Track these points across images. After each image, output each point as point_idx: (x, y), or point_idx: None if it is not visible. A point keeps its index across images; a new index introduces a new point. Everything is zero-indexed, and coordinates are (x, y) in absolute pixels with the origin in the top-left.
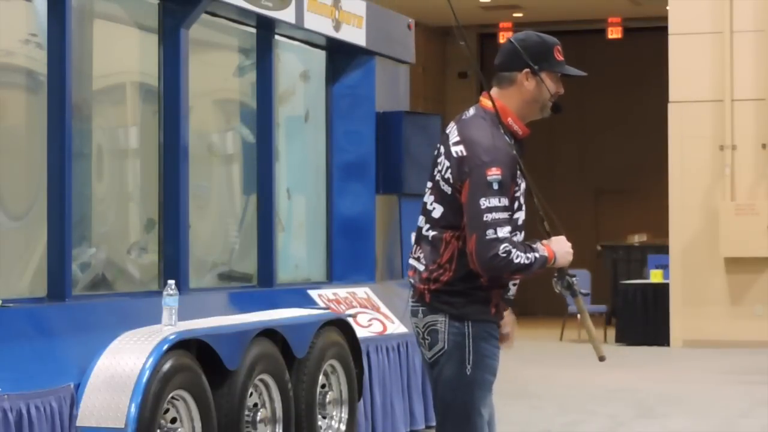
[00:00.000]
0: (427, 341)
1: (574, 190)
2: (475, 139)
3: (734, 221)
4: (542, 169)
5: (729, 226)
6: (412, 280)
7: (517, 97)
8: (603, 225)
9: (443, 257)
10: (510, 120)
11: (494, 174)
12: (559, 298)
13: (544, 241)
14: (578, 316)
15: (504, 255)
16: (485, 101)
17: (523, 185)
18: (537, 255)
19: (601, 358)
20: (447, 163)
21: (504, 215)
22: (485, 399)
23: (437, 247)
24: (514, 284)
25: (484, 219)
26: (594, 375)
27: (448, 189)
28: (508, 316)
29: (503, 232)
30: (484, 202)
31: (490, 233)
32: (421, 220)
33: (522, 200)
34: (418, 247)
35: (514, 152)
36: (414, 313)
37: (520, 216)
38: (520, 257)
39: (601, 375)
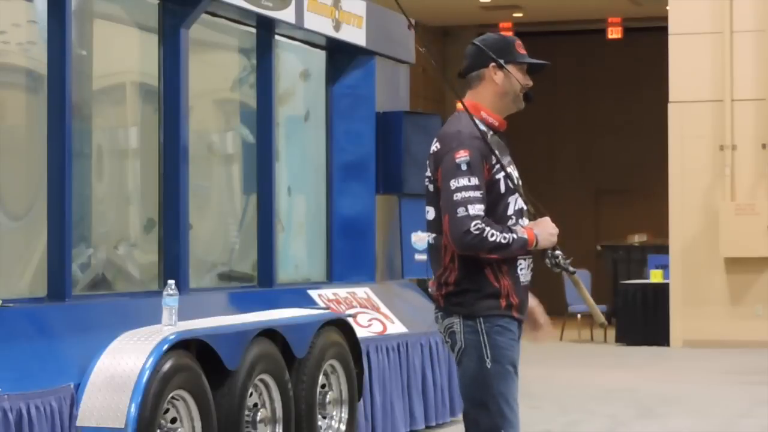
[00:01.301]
0: (449, 343)
1: (574, 190)
2: (445, 132)
3: (734, 221)
4: (542, 169)
5: (729, 226)
6: (430, 290)
7: (488, 92)
8: (603, 225)
9: (446, 258)
10: (483, 114)
11: (462, 156)
12: (559, 298)
13: (527, 224)
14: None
15: (477, 232)
16: (459, 105)
17: (510, 170)
18: (515, 236)
19: (602, 324)
20: (428, 162)
21: (475, 194)
22: (512, 390)
23: (439, 250)
24: (522, 269)
25: (454, 198)
26: (594, 375)
27: (431, 186)
28: (536, 306)
29: (474, 209)
30: (454, 183)
31: (460, 211)
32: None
33: (511, 184)
34: (429, 256)
35: (488, 138)
36: (435, 320)
37: (514, 201)
38: (495, 236)
39: (601, 375)
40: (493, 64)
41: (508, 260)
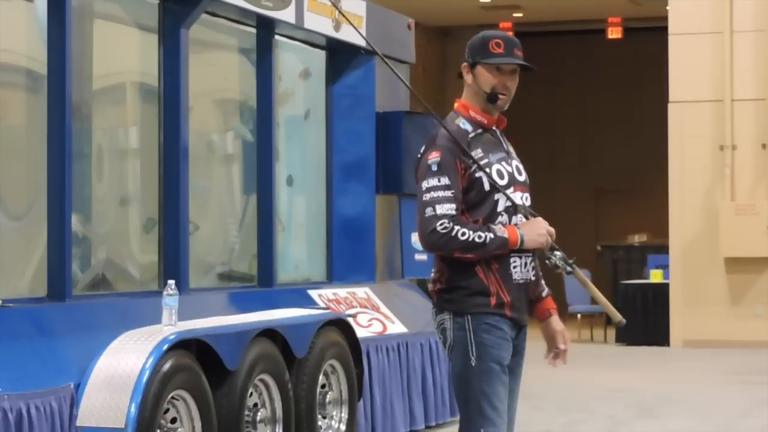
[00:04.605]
0: (441, 340)
1: (574, 189)
2: (429, 136)
3: (734, 221)
4: (542, 168)
5: (729, 226)
6: (429, 286)
7: (469, 92)
8: (603, 225)
9: (438, 256)
10: (472, 112)
11: (433, 157)
12: (559, 298)
13: (520, 223)
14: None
15: (443, 231)
16: (455, 105)
17: (501, 166)
18: (492, 235)
19: (619, 323)
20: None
21: (445, 194)
22: (496, 389)
23: None
24: (515, 266)
25: (424, 199)
26: (594, 375)
27: None
28: (556, 324)
29: (443, 209)
30: (425, 184)
31: (428, 211)
32: None
33: (500, 181)
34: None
35: (468, 138)
36: (432, 315)
37: (504, 197)
38: (466, 234)
39: (601, 375)
40: (464, 63)
41: (499, 258)
